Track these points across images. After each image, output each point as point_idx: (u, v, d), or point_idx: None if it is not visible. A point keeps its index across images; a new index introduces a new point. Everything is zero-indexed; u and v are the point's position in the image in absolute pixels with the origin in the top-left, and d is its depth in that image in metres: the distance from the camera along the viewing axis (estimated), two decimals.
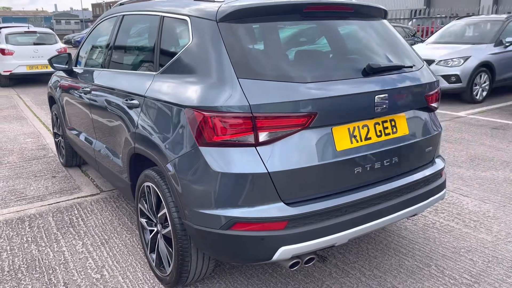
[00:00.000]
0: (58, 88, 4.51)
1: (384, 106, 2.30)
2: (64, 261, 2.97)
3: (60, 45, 12.57)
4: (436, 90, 2.67)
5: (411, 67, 2.55)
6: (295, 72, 2.16)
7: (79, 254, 3.06)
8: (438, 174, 2.70)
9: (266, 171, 2.03)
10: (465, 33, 9.63)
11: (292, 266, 2.21)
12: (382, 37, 2.68)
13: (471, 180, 4.40)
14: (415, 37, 13.02)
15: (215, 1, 2.38)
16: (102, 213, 3.71)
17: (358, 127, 2.28)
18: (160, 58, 2.61)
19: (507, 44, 8.72)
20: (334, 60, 2.45)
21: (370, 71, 2.30)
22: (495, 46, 8.69)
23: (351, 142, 2.24)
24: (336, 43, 2.53)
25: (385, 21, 2.80)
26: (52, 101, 4.94)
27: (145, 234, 2.82)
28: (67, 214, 3.72)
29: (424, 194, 2.57)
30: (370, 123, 2.32)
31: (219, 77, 2.09)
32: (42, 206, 3.91)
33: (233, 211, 2.07)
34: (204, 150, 2.09)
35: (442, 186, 2.72)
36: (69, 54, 4.06)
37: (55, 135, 5.14)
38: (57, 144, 5.13)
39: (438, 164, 2.74)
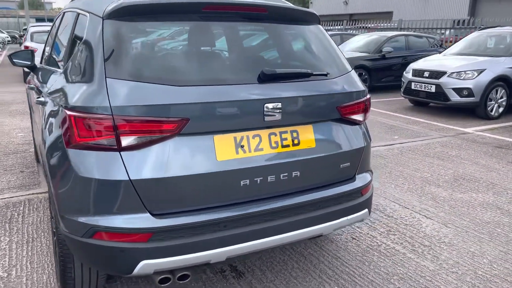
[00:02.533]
0: (28, 84, 4.56)
1: (276, 115, 2.11)
2: None
3: None
4: (357, 101, 2.44)
5: (325, 75, 2.34)
6: (171, 75, 2.02)
7: (0, 251, 3.03)
8: (357, 192, 2.47)
9: (128, 179, 1.90)
10: (486, 45, 9.08)
11: (161, 282, 2.06)
12: (302, 42, 2.49)
13: (444, 201, 4.07)
14: (441, 48, 12.44)
15: None
16: (45, 211, 3.69)
17: (248, 136, 2.10)
18: (68, 55, 2.54)
19: None
20: (226, 64, 2.29)
21: (265, 78, 2.13)
22: None
23: (237, 153, 2.07)
24: (234, 47, 2.37)
25: (314, 26, 2.58)
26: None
27: (54, 237, 2.75)
28: (12, 209, 3.73)
29: (334, 214, 2.35)
30: (264, 133, 2.14)
31: (90, 76, 1.99)
32: None
33: (94, 219, 1.94)
34: (70, 152, 1.98)
35: (361, 206, 2.49)
36: (31, 51, 4.08)
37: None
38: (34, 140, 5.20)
39: (359, 181, 2.50)
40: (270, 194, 2.18)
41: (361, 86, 2.52)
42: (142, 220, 1.94)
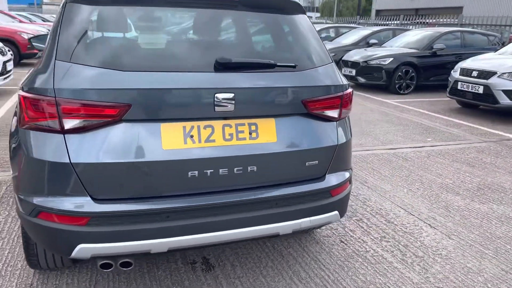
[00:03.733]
0: None
1: (229, 106, 2.03)
2: None
3: None
4: (328, 96, 2.28)
5: (293, 66, 2.21)
6: (122, 60, 1.98)
7: None
8: (325, 193, 2.33)
9: (69, 162, 1.90)
10: None
11: (102, 266, 2.06)
12: (276, 32, 2.37)
13: (457, 210, 3.76)
14: (503, 47, 11.52)
15: None
16: None
17: (198, 126, 2.04)
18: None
19: None
20: (182, 52, 2.20)
21: (219, 67, 2.04)
22: None
23: (185, 142, 2.01)
24: (198, 35, 2.29)
25: (295, 16, 2.42)
26: None
27: None
28: None
29: (293, 213, 2.23)
30: (217, 124, 2.06)
31: (45, 58, 2.02)
32: (9, 175, 4.17)
33: (38, 199, 1.98)
34: (21, 132, 2.03)
35: (329, 208, 2.34)
36: None
37: None
38: None
39: (330, 181, 2.36)
40: (221, 188, 2.11)
41: (339, 80, 2.36)
42: (82, 204, 1.94)
